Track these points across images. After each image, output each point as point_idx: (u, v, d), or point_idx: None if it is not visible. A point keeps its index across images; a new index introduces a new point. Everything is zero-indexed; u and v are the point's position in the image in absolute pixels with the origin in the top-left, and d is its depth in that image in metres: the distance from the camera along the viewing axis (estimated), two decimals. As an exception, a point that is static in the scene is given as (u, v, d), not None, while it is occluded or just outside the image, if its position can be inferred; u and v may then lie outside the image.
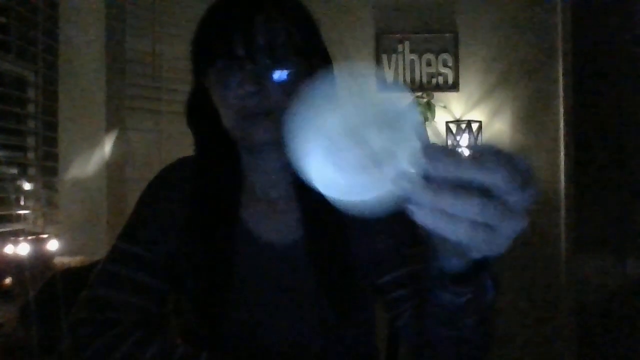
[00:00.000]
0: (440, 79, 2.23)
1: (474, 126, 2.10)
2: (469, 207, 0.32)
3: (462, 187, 0.32)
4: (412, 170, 0.34)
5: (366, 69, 0.40)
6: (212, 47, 0.61)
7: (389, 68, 2.22)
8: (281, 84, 0.59)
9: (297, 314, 0.67)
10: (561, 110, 2.22)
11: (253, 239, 0.67)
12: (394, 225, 0.67)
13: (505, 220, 0.32)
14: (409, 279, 0.66)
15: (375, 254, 0.68)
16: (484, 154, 0.32)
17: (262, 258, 0.67)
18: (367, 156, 0.37)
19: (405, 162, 0.36)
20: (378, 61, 2.22)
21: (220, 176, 0.68)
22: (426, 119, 2.11)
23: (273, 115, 0.59)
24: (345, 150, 0.38)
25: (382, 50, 2.22)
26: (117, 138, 1.86)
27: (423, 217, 0.33)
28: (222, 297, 0.66)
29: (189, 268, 0.67)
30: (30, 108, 1.70)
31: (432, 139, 2.14)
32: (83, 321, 0.63)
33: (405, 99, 0.37)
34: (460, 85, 2.22)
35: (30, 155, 1.70)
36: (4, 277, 1.36)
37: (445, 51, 2.22)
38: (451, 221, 0.32)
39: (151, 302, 0.67)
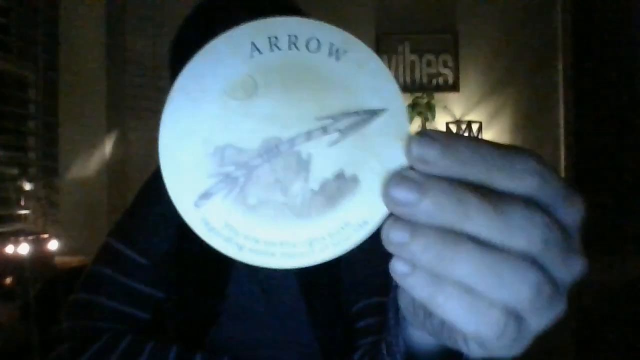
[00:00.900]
0: (441, 80, 2.22)
1: (474, 127, 2.10)
2: (506, 283, 0.18)
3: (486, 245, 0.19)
4: (384, 207, 0.20)
5: None
6: (192, 49, 0.59)
7: (389, 68, 2.21)
8: None
9: (286, 340, 0.66)
10: (561, 110, 2.22)
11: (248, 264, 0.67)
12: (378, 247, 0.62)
13: (547, 306, 0.19)
14: (378, 309, 0.58)
15: (358, 280, 0.65)
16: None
17: (255, 281, 0.67)
18: (302, 189, 0.21)
19: (376, 188, 0.21)
20: (378, 61, 2.21)
21: None
22: (426, 120, 2.11)
23: None
24: (263, 179, 0.21)
25: (382, 50, 2.22)
26: (117, 138, 1.86)
27: (414, 287, 0.20)
28: (211, 312, 0.65)
29: (182, 279, 0.66)
30: (31, 108, 1.70)
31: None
32: (72, 329, 0.61)
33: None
34: (461, 86, 2.22)
35: (31, 155, 1.70)
36: (5, 277, 1.36)
37: (445, 52, 2.22)
38: (466, 304, 0.19)
39: (143, 310, 0.64)
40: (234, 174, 0.21)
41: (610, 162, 2.13)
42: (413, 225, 0.19)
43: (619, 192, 2.07)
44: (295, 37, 0.21)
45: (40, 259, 1.51)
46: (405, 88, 2.20)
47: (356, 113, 0.21)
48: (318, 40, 0.21)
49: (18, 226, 1.58)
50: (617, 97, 2.12)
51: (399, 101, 0.21)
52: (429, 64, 2.23)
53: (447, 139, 0.20)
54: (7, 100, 1.57)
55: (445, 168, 0.19)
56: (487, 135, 2.17)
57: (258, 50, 0.21)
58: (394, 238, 0.20)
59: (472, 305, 0.19)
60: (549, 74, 2.24)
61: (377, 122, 0.21)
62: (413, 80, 2.22)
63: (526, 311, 0.20)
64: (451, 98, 2.22)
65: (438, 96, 2.18)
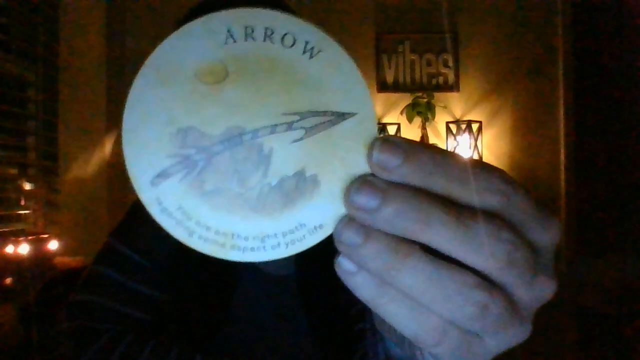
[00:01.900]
0: (441, 79, 2.22)
1: (474, 126, 2.10)
2: (450, 299, 0.18)
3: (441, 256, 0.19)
4: (342, 208, 0.20)
5: None
6: None
7: (389, 68, 2.22)
8: None
9: (287, 344, 0.66)
10: (561, 110, 2.22)
11: (250, 267, 0.66)
12: None
13: (504, 326, 0.19)
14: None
15: None
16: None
17: (260, 287, 0.67)
18: (260, 182, 0.21)
19: (336, 192, 0.21)
20: (378, 61, 2.22)
21: None
22: (426, 120, 2.11)
23: None
24: (221, 171, 0.21)
25: (382, 50, 2.22)
26: (117, 138, 1.85)
27: (357, 286, 0.20)
28: (215, 318, 0.65)
29: (185, 283, 0.65)
30: (31, 108, 1.70)
31: (432, 141, 2.15)
32: (72, 330, 0.60)
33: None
34: (461, 86, 2.22)
35: (31, 155, 1.70)
36: (4, 277, 1.36)
37: (445, 51, 2.22)
38: (407, 309, 0.19)
39: (143, 311, 0.64)
40: (193, 157, 0.21)
41: (610, 162, 2.13)
42: (367, 229, 0.19)
43: (618, 192, 2.06)
44: (272, 30, 0.21)
45: (40, 259, 1.51)
46: (405, 88, 2.20)
47: (324, 113, 0.21)
48: (294, 36, 0.21)
49: (18, 226, 1.58)
50: (617, 97, 2.12)
51: (369, 107, 0.21)
52: (429, 63, 2.23)
53: (410, 146, 0.19)
54: (7, 100, 1.57)
55: (406, 176, 0.19)
56: (487, 135, 2.17)
57: (233, 38, 0.21)
58: (346, 239, 0.19)
59: (412, 311, 0.19)
60: (549, 74, 2.24)
61: (345, 125, 0.21)
62: (413, 80, 2.22)
63: (473, 328, 0.19)
64: (451, 98, 2.22)
65: (438, 96, 2.18)
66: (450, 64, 2.22)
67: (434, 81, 2.22)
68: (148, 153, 0.21)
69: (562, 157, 2.21)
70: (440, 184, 0.19)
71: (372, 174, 0.20)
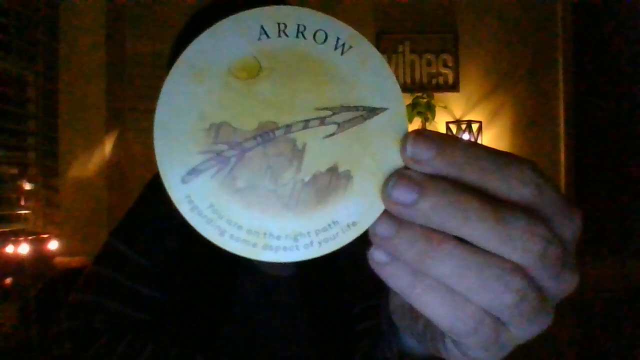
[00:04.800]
0: (441, 79, 2.22)
1: (474, 126, 2.10)
2: (488, 285, 0.18)
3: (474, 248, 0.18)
4: (380, 203, 0.20)
5: None
6: None
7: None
8: None
9: (287, 345, 0.66)
10: (561, 110, 2.22)
11: (250, 267, 0.66)
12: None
13: (532, 316, 0.20)
14: (377, 311, 0.59)
15: (358, 281, 0.65)
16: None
17: (258, 286, 0.66)
18: (293, 178, 0.20)
19: (369, 188, 0.20)
20: (378, 61, 2.21)
21: None
22: (426, 120, 2.11)
23: None
24: (253, 167, 0.20)
25: (382, 50, 2.22)
26: (117, 138, 1.86)
27: (391, 276, 0.20)
28: (215, 319, 0.64)
29: (185, 283, 0.65)
30: (31, 108, 1.70)
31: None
32: (72, 330, 0.60)
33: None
34: (461, 86, 2.22)
35: (30, 155, 1.70)
36: (4, 277, 1.36)
37: (445, 51, 2.22)
38: (443, 298, 0.19)
39: (143, 312, 0.64)
40: (226, 153, 0.20)
41: (610, 162, 2.13)
42: (400, 220, 0.19)
43: (619, 192, 2.06)
44: (304, 26, 0.21)
45: (40, 259, 1.51)
46: (405, 88, 2.20)
47: (356, 108, 0.21)
48: (325, 33, 0.22)
49: (18, 226, 1.58)
50: (617, 97, 2.12)
51: (400, 102, 0.21)
52: (429, 63, 2.23)
53: (443, 139, 0.19)
54: (7, 100, 1.57)
55: (439, 168, 0.19)
56: (487, 135, 2.17)
57: (266, 34, 0.21)
58: (380, 231, 0.19)
59: (449, 300, 0.19)
60: (549, 74, 2.24)
61: (377, 121, 0.21)
62: (413, 80, 2.22)
63: (507, 317, 0.19)
64: (451, 98, 2.22)
65: (438, 96, 2.18)
66: (450, 64, 2.22)
67: (434, 81, 2.22)
68: (180, 149, 0.20)
69: (562, 157, 2.21)
70: (473, 175, 0.19)
71: (407, 168, 0.20)
